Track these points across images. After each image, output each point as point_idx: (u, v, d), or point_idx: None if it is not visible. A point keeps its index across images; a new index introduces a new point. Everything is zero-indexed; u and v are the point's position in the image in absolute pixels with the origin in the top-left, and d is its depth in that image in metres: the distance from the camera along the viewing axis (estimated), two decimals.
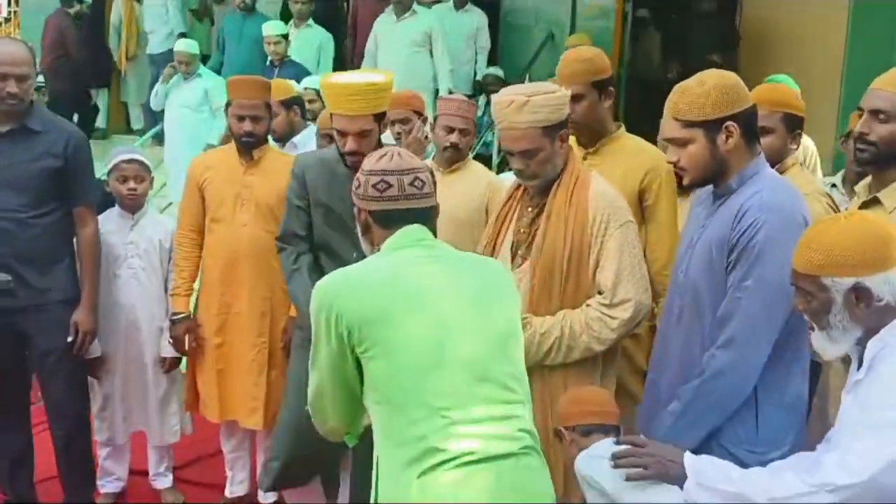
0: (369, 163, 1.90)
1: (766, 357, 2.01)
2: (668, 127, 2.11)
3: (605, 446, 1.95)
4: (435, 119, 3.32)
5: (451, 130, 3.17)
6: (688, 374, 2.11)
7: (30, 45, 3.11)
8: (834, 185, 3.52)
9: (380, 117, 2.74)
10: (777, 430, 2.06)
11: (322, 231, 2.85)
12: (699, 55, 6.21)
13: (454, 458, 1.67)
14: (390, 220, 1.86)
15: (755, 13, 6.81)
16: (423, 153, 3.80)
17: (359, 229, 1.93)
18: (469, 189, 3.13)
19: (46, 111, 3.28)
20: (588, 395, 2.18)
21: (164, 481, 3.51)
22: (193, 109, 5.87)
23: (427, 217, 1.89)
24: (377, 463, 1.79)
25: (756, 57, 6.43)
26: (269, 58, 5.81)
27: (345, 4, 7.27)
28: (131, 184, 3.28)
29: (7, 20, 8.97)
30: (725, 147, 2.05)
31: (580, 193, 2.41)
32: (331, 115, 2.76)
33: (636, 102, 7.10)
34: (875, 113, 2.26)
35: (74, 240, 3.13)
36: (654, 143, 2.87)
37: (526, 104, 2.32)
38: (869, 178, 2.40)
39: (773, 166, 2.51)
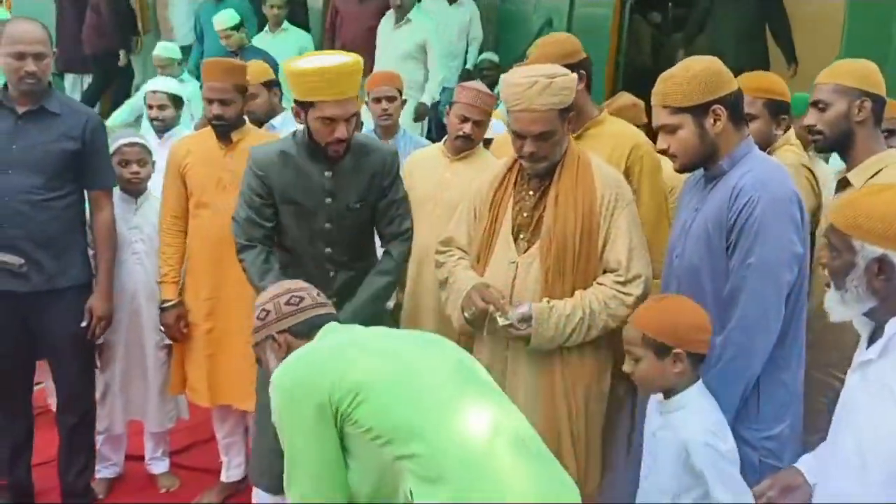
0: (262, 299, 2.02)
1: (777, 332, 2.05)
2: (657, 115, 2.18)
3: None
4: (450, 105, 3.28)
5: (465, 120, 3.14)
6: None
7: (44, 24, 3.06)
8: None
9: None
10: (778, 408, 2.12)
11: (291, 227, 2.71)
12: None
13: None
14: (313, 327, 1.92)
15: None
16: (397, 131, 3.82)
17: (273, 363, 1.92)
18: (476, 176, 3.09)
19: (64, 95, 3.26)
20: (706, 324, 2.13)
21: (160, 466, 3.51)
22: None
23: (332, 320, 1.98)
24: None
25: None
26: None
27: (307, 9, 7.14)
28: (134, 167, 3.25)
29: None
30: (714, 130, 2.10)
31: (585, 174, 2.44)
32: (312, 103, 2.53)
33: (634, 89, 7.08)
34: (816, 104, 2.47)
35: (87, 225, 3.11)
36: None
37: (549, 86, 2.33)
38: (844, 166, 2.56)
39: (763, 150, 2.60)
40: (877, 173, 2.40)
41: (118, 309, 3.22)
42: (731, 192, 2.06)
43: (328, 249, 2.71)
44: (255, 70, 3.87)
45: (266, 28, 5.81)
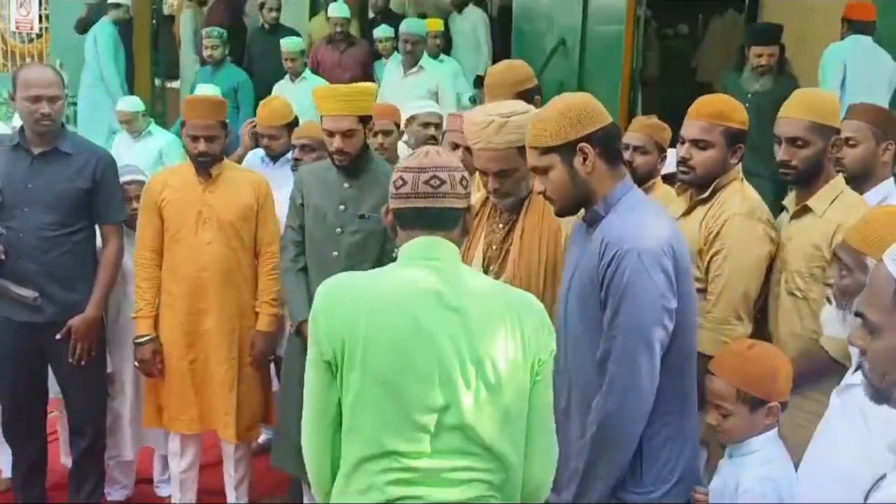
0: (400, 163, 1.82)
1: (654, 392, 1.96)
2: (529, 156, 2.11)
3: None
4: (443, 135, 3.38)
5: (455, 147, 3.22)
6: (584, 419, 2.06)
7: (58, 68, 3.24)
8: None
9: (365, 120, 2.97)
10: (661, 469, 2.03)
11: (310, 230, 3.08)
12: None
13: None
14: (404, 221, 1.74)
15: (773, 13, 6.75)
16: (394, 163, 3.96)
17: (389, 229, 1.84)
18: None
19: (77, 135, 3.42)
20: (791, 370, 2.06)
21: (168, 488, 3.60)
22: (148, 171, 5.47)
23: (446, 220, 1.72)
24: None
25: None
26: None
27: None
28: (135, 203, 3.37)
29: (38, 36, 9.24)
30: (584, 170, 2.01)
31: (551, 208, 2.43)
32: (321, 118, 3.01)
33: (652, 106, 7.08)
34: (792, 140, 2.46)
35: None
36: (674, 145, 2.87)
37: (505, 125, 2.33)
38: (793, 193, 2.59)
39: (712, 181, 2.60)
40: (835, 198, 2.47)
41: (125, 340, 3.35)
42: (600, 244, 1.98)
43: (335, 252, 2.98)
44: (279, 112, 4.08)
45: (287, 77, 5.84)
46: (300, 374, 1.80)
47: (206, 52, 6.04)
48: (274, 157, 4.11)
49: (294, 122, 4.20)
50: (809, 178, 2.50)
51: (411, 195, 1.73)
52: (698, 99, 2.70)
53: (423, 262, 1.70)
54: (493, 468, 1.66)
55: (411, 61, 5.80)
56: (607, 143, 2.05)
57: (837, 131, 2.51)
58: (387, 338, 1.63)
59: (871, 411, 1.58)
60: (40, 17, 9.16)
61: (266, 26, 6.79)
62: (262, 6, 6.79)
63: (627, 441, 1.99)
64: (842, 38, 5.21)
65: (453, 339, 1.63)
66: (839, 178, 2.53)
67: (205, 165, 3.25)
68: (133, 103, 5.48)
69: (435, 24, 6.37)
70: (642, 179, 3.22)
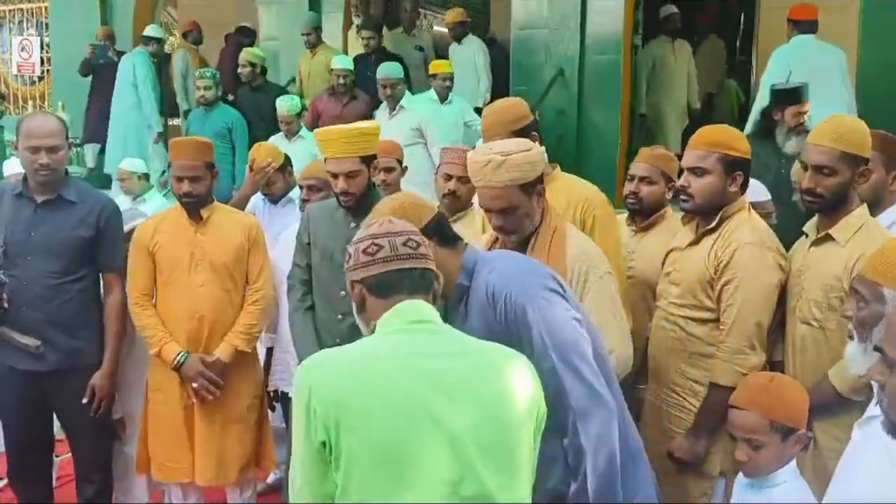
0: (359, 235, 1.77)
1: (611, 416, 1.95)
2: None
3: None
4: (438, 168, 3.40)
5: (449, 178, 3.24)
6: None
7: (60, 112, 3.24)
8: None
9: (368, 160, 2.98)
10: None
11: (317, 268, 3.06)
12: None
13: None
14: (386, 287, 1.66)
15: (771, 21, 6.83)
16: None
17: (354, 309, 1.76)
18: (470, 237, 3.17)
19: (82, 182, 3.42)
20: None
21: None
22: None
23: (426, 283, 1.69)
24: None
25: None
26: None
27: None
28: None
29: (40, 79, 9.32)
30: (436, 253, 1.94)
31: (557, 248, 2.42)
32: (325, 160, 3.05)
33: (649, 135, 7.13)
34: (819, 168, 2.42)
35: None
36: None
37: (503, 164, 2.33)
38: (815, 218, 2.55)
39: (713, 209, 2.58)
40: (859, 228, 2.43)
41: (136, 382, 3.33)
42: (487, 299, 1.99)
43: (342, 292, 2.88)
44: (270, 156, 4.17)
45: (281, 134, 5.79)
46: None
47: (198, 94, 6.05)
48: (273, 200, 4.13)
49: (286, 164, 4.26)
50: (834, 207, 2.46)
51: (392, 258, 1.67)
52: (699, 129, 2.70)
53: (416, 327, 1.63)
54: None
55: (392, 104, 5.82)
56: (439, 230, 2.07)
57: (866, 161, 2.47)
58: (389, 418, 1.51)
59: (893, 444, 1.56)
60: (42, 59, 9.27)
61: (251, 84, 6.78)
62: (247, 65, 6.71)
63: (613, 453, 1.96)
64: (788, 40, 5.39)
65: (460, 407, 1.54)
66: (863, 208, 2.50)
67: (192, 207, 3.24)
68: (137, 165, 5.41)
69: (441, 67, 6.27)
70: (650, 209, 3.24)
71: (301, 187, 3.69)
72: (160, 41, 7.57)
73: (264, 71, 6.80)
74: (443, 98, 6.15)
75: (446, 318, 1.84)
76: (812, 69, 5.10)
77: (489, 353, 1.67)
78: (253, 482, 3.48)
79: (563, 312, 1.97)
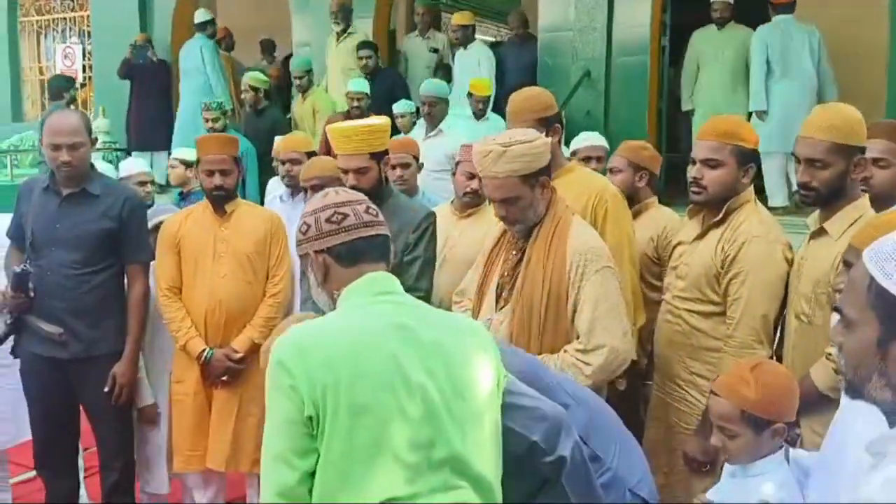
0: (311, 205, 1.77)
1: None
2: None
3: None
4: (457, 164, 3.44)
5: (471, 177, 3.28)
6: None
7: (86, 113, 3.35)
8: None
9: (378, 157, 2.99)
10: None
11: None
12: None
13: None
14: (353, 255, 1.69)
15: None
16: (416, 193, 4.00)
17: (313, 281, 1.77)
18: (483, 233, 3.21)
19: (106, 176, 3.53)
20: (797, 388, 2.02)
21: None
22: None
23: (387, 249, 1.75)
24: None
25: None
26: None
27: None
28: None
29: (83, 86, 9.59)
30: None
31: (559, 239, 2.44)
32: (336, 156, 3.11)
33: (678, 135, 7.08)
34: (811, 161, 2.37)
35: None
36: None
37: (503, 154, 2.37)
38: (817, 211, 2.48)
39: (725, 202, 2.57)
40: (856, 221, 2.34)
41: (160, 371, 3.42)
42: None
43: None
44: (302, 141, 4.23)
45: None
46: None
47: (206, 126, 5.94)
48: (294, 185, 4.11)
49: (313, 153, 4.29)
50: (830, 200, 2.40)
51: (359, 225, 1.70)
52: (708, 120, 2.70)
53: (384, 298, 1.66)
54: (481, 496, 1.63)
55: (431, 124, 5.47)
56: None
57: (862, 150, 2.39)
58: (370, 382, 1.56)
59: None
60: (84, 67, 9.54)
61: (255, 108, 6.79)
62: (250, 90, 6.69)
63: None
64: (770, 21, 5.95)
65: (432, 374, 1.60)
66: (864, 200, 2.42)
67: (220, 201, 3.35)
68: (137, 164, 4.98)
69: (478, 87, 5.82)
70: (630, 199, 3.29)
71: (305, 189, 3.73)
72: (213, 22, 7.85)
73: (267, 94, 6.84)
74: (478, 116, 5.84)
75: None
76: (785, 47, 5.88)
77: (453, 325, 1.73)
78: None
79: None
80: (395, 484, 1.55)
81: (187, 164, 4.66)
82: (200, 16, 7.85)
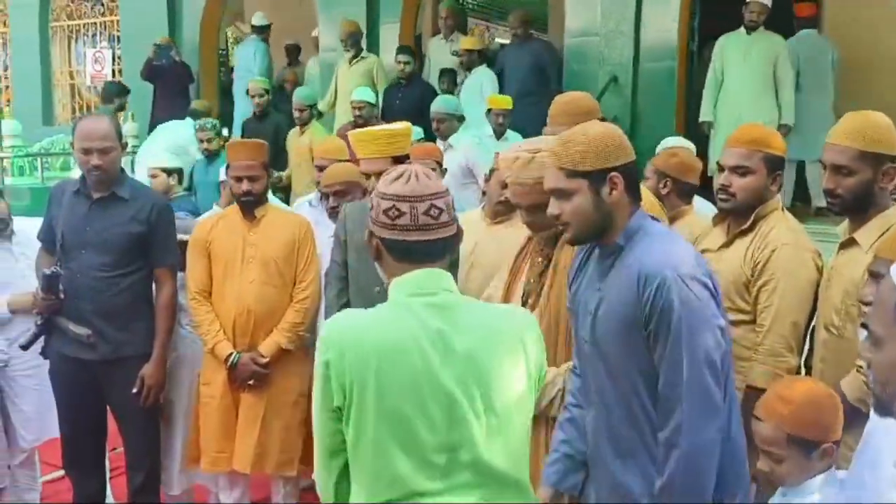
0: (384, 184, 1.71)
1: (723, 425, 1.88)
2: (550, 177, 2.01)
3: None
4: (491, 172, 3.41)
5: (505, 186, 3.25)
6: (618, 451, 1.99)
7: (118, 119, 3.40)
8: None
9: (400, 161, 2.98)
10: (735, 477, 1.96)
11: (352, 265, 3.14)
12: None
13: None
14: (402, 252, 1.67)
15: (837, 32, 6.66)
16: None
17: (372, 255, 1.76)
18: (514, 240, 3.18)
19: (135, 181, 3.59)
20: (840, 405, 1.96)
21: None
22: None
23: (440, 251, 1.69)
24: None
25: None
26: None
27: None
28: None
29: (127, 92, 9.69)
30: (610, 199, 1.95)
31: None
32: (359, 161, 3.15)
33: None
34: (837, 168, 2.33)
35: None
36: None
37: (531, 161, 2.36)
38: (847, 221, 2.44)
39: (753, 209, 2.54)
40: (886, 231, 2.28)
41: (178, 375, 3.45)
42: (636, 277, 1.90)
43: (377, 288, 2.92)
44: (339, 148, 4.30)
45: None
46: None
47: (201, 146, 5.94)
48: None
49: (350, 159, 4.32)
50: (857, 208, 2.36)
51: (411, 228, 1.65)
52: (737, 128, 2.67)
53: (423, 300, 1.65)
54: (505, 492, 1.66)
55: (440, 139, 5.47)
56: (633, 177, 2.01)
57: (892, 159, 2.34)
58: (398, 382, 1.59)
59: None
60: (113, 71, 9.66)
61: (256, 112, 6.87)
62: (257, 95, 6.79)
63: (705, 484, 1.87)
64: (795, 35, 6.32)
65: (461, 381, 1.61)
66: (893, 209, 2.37)
67: (249, 206, 3.39)
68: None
69: (497, 102, 5.76)
70: None
71: (325, 196, 3.70)
72: (269, 27, 8.27)
73: (268, 100, 6.88)
74: (499, 135, 5.73)
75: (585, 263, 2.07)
76: (808, 59, 6.18)
77: (490, 325, 1.69)
78: (296, 479, 3.54)
79: (711, 317, 1.88)
80: (420, 480, 1.60)
81: (168, 172, 4.71)
82: (258, 19, 8.06)
